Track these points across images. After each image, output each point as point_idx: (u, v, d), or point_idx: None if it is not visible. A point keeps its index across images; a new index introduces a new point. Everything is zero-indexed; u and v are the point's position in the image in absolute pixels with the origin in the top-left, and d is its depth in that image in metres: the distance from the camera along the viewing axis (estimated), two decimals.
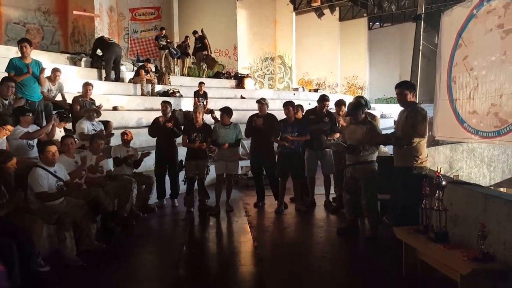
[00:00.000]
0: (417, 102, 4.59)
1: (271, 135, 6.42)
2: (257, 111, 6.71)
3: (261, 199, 6.86)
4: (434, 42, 11.24)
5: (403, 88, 4.38)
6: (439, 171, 3.91)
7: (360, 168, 4.98)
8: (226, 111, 6.56)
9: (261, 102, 6.63)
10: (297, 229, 5.77)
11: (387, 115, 17.18)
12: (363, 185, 4.97)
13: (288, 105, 6.38)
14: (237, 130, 6.55)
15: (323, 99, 6.56)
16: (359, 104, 5.21)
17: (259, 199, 6.86)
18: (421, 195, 3.73)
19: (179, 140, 6.93)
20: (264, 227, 5.95)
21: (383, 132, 5.14)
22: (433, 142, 6.77)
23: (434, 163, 8.49)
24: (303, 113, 6.94)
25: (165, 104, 6.96)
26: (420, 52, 6.84)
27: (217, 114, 9.36)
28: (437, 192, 3.56)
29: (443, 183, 3.61)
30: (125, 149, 6.40)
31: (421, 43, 6.83)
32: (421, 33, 6.88)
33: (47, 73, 7.13)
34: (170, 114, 7.02)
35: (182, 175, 6.80)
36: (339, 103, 6.63)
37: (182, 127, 6.86)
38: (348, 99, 7.55)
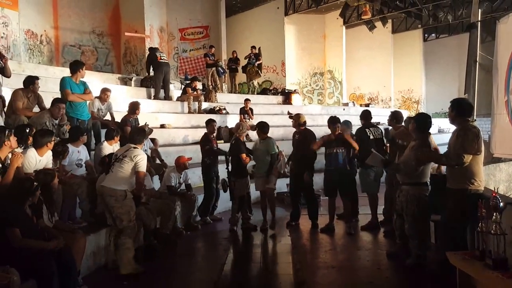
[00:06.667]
0: (469, 119, 4.27)
1: (308, 152, 6.29)
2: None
3: (295, 219, 6.66)
4: (493, 52, 10.58)
5: (450, 107, 4.21)
6: (496, 191, 3.57)
7: (407, 189, 4.63)
8: (259, 126, 6.55)
9: (292, 118, 6.57)
10: (343, 251, 5.50)
11: (445, 130, 16.32)
12: (404, 207, 4.62)
13: (336, 122, 6.21)
14: (269, 145, 6.39)
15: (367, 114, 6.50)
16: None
17: (292, 219, 6.66)
18: (473, 218, 3.40)
19: None
20: (308, 248, 5.74)
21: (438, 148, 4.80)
22: (493, 159, 6.26)
23: (495, 182, 7.87)
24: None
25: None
26: (478, 64, 6.39)
27: None
28: (495, 214, 3.22)
29: (501, 204, 3.27)
30: (179, 175, 6.44)
31: (478, 54, 6.38)
32: (478, 43, 6.43)
33: (97, 93, 7.38)
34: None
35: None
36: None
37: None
38: (404, 113, 7.26)
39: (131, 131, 5.21)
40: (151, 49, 11.50)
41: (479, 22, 6.49)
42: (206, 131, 7.09)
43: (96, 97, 7.31)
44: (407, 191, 4.58)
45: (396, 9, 17.91)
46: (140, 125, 6.99)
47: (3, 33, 10.87)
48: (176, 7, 15.72)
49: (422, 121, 4.57)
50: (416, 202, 4.51)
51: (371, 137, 6.25)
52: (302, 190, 6.61)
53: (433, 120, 4.92)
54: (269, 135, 6.59)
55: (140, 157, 4.60)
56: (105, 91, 7.51)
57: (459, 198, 3.97)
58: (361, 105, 18.88)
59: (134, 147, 4.70)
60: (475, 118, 5.44)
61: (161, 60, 10.96)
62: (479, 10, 7.58)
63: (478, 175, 3.97)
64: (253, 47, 15.11)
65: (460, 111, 4.12)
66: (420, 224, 4.55)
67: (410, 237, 4.63)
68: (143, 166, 4.62)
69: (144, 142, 5.08)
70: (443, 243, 4.13)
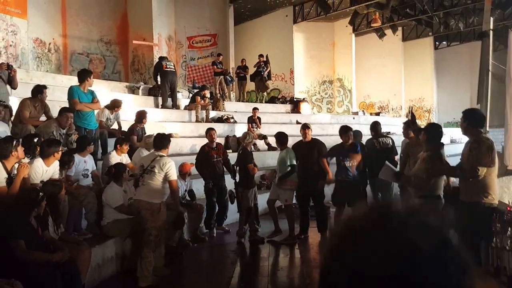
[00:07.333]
0: (481, 130, 4.20)
1: (316, 162, 6.19)
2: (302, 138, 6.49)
3: (304, 231, 6.50)
4: (506, 61, 10.37)
5: (462, 117, 4.13)
6: (510, 204, 3.47)
7: (419, 201, 4.51)
8: (275, 137, 6.57)
9: (307, 127, 6.41)
10: None
11: (458, 140, 16.03)
12: None
13: (348, 130, 6.15)
14: (285, 156, 6.25)
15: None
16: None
17: (301, 231, 6.48)
18: (487, 233, 3.29)
19: None
20: (317, 262, 5.60)
21: (450, 158, 4.71)
22: (507, 172, 6.11)
23: (510, 195, 7.62)
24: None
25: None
26: (490, 73, 6.26)
27: (270, 140, 9.27)
28: (510, 229, 3.13)
29: None
30: (184, 183, 6.38)
31: (490, 63, 6.25)
32: (490, 52, 6.30)
33: (105, 102, 7.35)
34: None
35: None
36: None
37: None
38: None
39: (155, 138, 5.15)
40: (159, 58, 11.51)
41: (491, 31, 6.37)
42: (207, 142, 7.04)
43: (105, 106, 7.29)
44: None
45: (406, 16, 17.75)
46: (146, 135, 6.94)
47: (12, 42, 10.91)
48: (184, 15, 15.71)
49: (433, 132, 4.47)
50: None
51: (378, 147, 6.23)
52: (311, 197, 6.45)
53: (445, 130, 4.82)
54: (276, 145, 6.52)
55: (169, 165, 4.61)
56: (119, 104, 7.50)
57: (472, 212, 3.86)
58: (371, 114, 18.71)
59: (161, 156, 4.68)
60: (487, 129, 5.32)
61: (167, 69, 10.90)
62: (491, 18, 7.44)
63: (492, 188, 3.88)
64: (261, 55, 15.06)
65: (472, 121, 4.05)
66: None
67: None
68: (174, 174, 4.64)
69: (169, 147, 5.01)
70: None
